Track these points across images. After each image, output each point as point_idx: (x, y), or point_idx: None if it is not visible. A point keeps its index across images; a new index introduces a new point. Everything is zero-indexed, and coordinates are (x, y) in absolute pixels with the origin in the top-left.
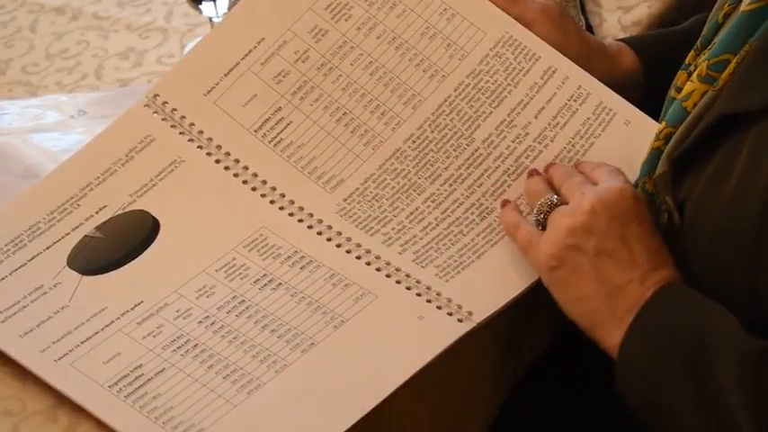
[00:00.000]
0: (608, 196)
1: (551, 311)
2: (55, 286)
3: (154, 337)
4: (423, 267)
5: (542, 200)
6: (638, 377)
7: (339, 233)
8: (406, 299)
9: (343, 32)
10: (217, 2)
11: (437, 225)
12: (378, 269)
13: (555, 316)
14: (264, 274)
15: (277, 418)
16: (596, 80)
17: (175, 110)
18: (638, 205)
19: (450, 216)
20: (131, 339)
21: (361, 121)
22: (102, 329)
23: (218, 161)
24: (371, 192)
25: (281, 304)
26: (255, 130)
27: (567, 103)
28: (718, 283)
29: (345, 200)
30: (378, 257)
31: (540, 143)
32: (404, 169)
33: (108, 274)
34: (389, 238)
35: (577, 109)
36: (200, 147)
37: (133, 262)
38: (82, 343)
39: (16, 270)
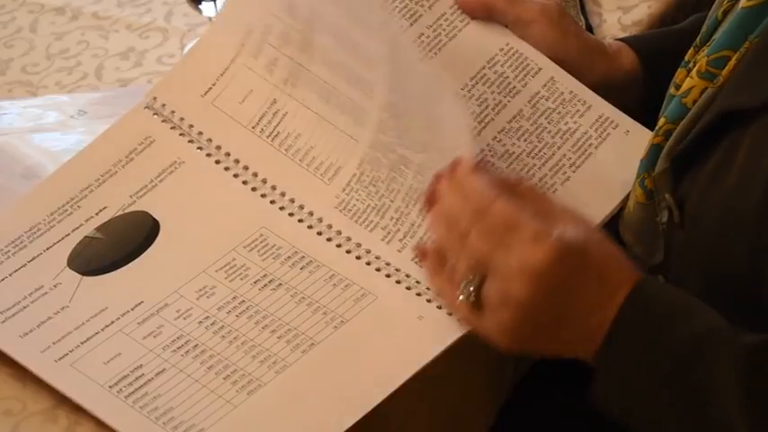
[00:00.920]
0: (538, 264)
1: None
2: (55, 287)
3: (154, 337)
4: (422, 267)
5: (464, 282)
6: (617, 394)
7: (339, 232)
8: (406, 299)
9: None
10: (217, 2)
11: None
12: (378, 269)
13: None
14: (264, 275)
15: (277, 418)
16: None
17: (174, 111)
18: (570, 259)
19: None
20: (132, 340)
21: (346, 97)
22: (102, 330)
23: (218, 162)
24: (368, 176)
25: (281, 305)
26: (253, 127)
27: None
28: (719, 280)
29: (344, 190)
30: (378, 257)
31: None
32: (390, 142)
33: (108, 274)
34: (389, 233)
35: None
36: (200, 148)
37: (133, 262)
38: (82, 343)
39: (16, 271)
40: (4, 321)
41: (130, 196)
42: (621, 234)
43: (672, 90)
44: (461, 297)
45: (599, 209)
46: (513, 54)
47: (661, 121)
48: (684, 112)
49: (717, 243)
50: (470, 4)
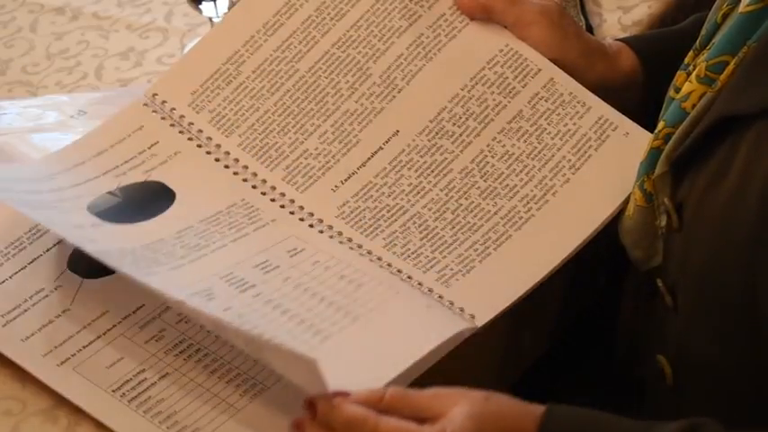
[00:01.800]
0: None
1: (552, 311)
2: (56, 289)
3: (156, 341)
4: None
5: None
6: None
7: (340, 233)
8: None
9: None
10: (217, 2)
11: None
12: (380, 267)
13: (555, 315)
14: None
15: (281, 422)
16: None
17: (174, 109)
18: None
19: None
20: (133, 344)
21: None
22: (103, 333)
23: (217, 159)
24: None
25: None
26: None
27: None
28: (717, 284)
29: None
30: (379, 258)
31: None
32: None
33: (109, 277)
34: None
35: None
36: (199, 145)
37: None
38: (84, 347)
39: (17, 273)
40: (5, 325)
41: None
42: (620, 237)
43: (671, 93)
44: None
45: (598, 211)
46: (513, 55)
47: (660, 124)
48: (684, 116)
49: (715, 247)
50: (469, 6)
